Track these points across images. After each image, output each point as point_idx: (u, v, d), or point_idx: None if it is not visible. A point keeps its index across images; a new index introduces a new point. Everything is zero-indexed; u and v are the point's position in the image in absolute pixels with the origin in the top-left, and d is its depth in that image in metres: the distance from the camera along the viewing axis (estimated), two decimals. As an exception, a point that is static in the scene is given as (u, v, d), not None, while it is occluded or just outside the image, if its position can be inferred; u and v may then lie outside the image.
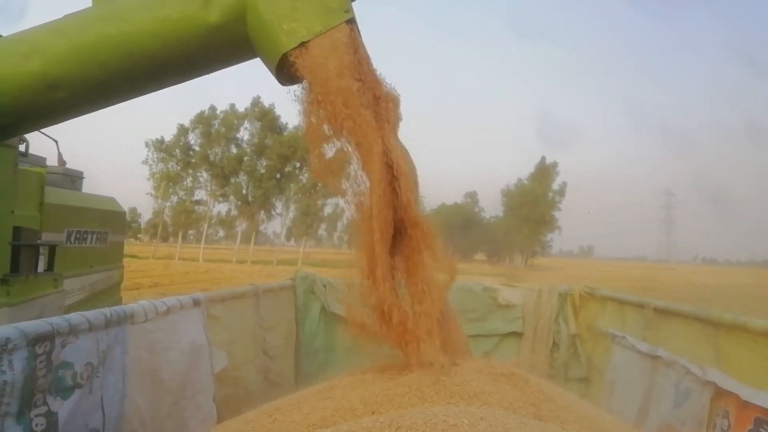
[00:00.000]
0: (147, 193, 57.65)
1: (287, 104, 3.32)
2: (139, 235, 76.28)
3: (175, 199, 58.65)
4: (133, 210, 68.63)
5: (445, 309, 3.24)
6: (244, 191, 57.21)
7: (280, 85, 3.33)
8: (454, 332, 3.39)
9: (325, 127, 3.09)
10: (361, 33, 3.26)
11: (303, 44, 3.03)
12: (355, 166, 3.12)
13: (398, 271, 3.19)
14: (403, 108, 3.33)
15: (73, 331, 2.63)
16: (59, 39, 3.18)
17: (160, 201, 58.41)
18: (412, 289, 3.13)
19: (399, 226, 3.14)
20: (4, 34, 3.58)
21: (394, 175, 3.01)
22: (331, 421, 2.53)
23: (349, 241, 3.50)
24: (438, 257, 3.21)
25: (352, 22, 3.15)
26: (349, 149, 3.08)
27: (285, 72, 3.18)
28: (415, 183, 3.17)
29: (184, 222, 59.30)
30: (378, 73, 3.26)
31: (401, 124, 3.25)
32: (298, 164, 56.41)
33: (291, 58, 3.05)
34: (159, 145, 56.12)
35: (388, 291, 2.96)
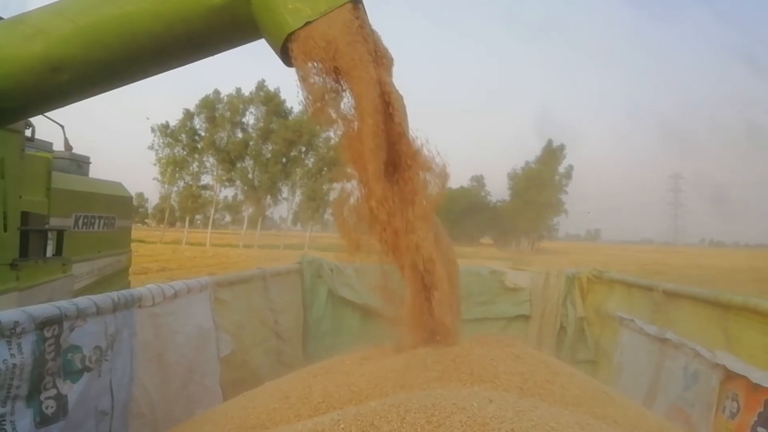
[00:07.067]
0: (154, 178, 57.80)
1: (292, 88, 3.27)
2: (146, 220, 76.75)
3: (181, 184, 58.70)
4: (140, 195, 69.06)
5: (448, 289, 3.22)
6: (250, 176, 57.20)
7: (285, 68, 3.28)
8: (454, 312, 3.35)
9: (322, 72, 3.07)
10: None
11: (308, 24, 2.98)
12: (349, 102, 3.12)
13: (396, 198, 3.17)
14: (412, 93, 3.31)
15: (80, 314, 2.64)
16: (62, 20, 3.13)
17: (166, 186, 58.43)
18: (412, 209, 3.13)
19: (392, 157, 3.14)
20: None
21: (389, 110, 3.04)
22: (337, 402, 2.52)
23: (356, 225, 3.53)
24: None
25: (358, 2, 3.09)
26: (345, 86, 3.08)
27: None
28: (407, 119, 3.17)
29: (190, 207, 59.26)
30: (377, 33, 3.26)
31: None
32: (303, 149, 56.35)
33: (297, 41, 3.00)
34: (164, 130, 56.07)
35: (387, 209, 2.99)
